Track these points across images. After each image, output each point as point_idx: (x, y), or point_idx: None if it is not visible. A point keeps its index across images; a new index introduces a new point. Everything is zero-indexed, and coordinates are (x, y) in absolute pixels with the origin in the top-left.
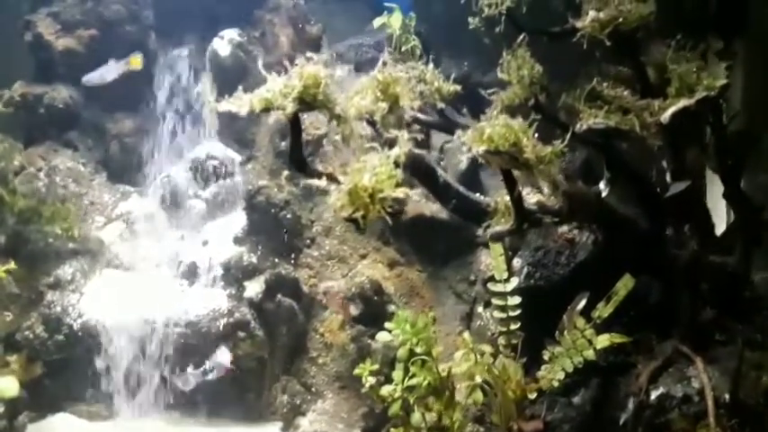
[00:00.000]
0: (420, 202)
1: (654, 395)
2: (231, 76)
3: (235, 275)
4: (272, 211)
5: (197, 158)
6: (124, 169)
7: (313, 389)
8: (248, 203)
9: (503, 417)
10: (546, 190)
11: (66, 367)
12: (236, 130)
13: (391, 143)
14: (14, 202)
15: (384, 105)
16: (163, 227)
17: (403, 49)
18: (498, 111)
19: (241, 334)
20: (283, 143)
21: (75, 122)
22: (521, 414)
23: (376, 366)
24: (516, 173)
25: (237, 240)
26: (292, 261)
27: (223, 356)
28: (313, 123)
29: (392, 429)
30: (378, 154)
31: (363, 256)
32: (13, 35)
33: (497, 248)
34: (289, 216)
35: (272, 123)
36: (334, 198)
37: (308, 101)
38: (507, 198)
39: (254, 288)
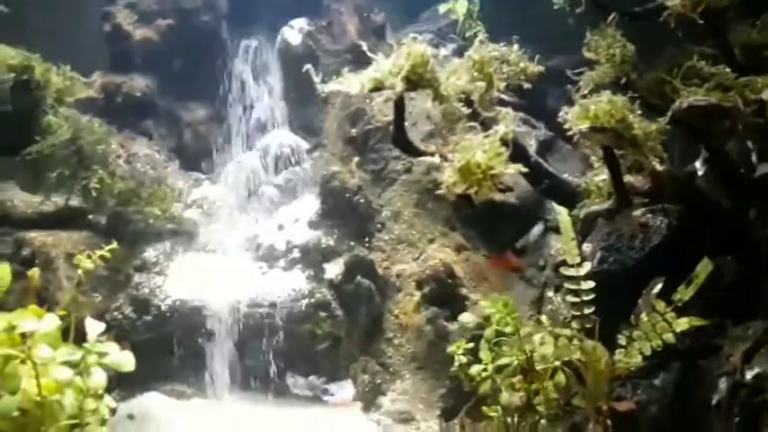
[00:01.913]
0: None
1: (749, 375)
2: (301, 65)
3: (313, 258)
4: (346, 195)
5: (268, 146)
6: (196, 157)
7: (391, 369)
8: (322, 189)
9: (591, 398)
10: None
11: (154, 347)
12: (304, 119)
13: (486, 122)
14: (114, 184)
15: (482, 85)
16: (236, 212)
17: (467, 34)
18: (588, 90)
19: (322, 314)
20: (353, 130)
21: (151, 111)
22: (609, 395)
23: (471, 345)
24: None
25: (312, 224)
26: (366, 244)
27: (347, 389)
28: (381, 110)
29: (484, 408)
30: (480, 133)
31: (431, 241)
32: (89, 26)
33: (569, 233)
34: (362, 201)
35: (339, 111)
36: (446, 175)
37: (415, 80)
38: (597, 178)
39: (333, 270)
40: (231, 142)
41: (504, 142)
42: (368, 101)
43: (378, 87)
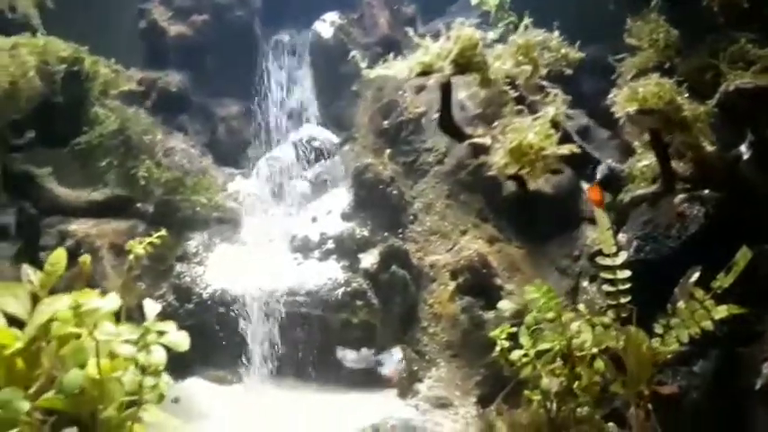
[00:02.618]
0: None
1: None
2: (332, 58)
3: (348, 248)
4: (380, 187)
5: (300, 140)
6: (229, 152)
7: (426, 357)
8: (355, 180)
9: (632, 383)
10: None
11: (196, 334)
12: (334, 113)
13: (532, 106)
14: (161, 173)
15: (528, 69)
16: (269, 205)
17: (500, 25)
18: (631, 76)
19: (358, 302)
20: (385, 122)
21: (186, 107)
22: (650, 380)
23: (514, 329)
24: None
25: (345, 216)
26: (399, 235)
27: (396, 357)
28: (413, 102)
29: (525, 392)
30: (527, 116)
31: (464, 232)
32: (123, 23)
33: (604, 222)
34: (394, 192)
35: (371, 104)
36: (497, 157)
37: (463, 63)
38: (641, 164)
39: (368, 259)
40: (263, 137)
41: (553, 124)
42: (400, 92)
43: (426, 71)
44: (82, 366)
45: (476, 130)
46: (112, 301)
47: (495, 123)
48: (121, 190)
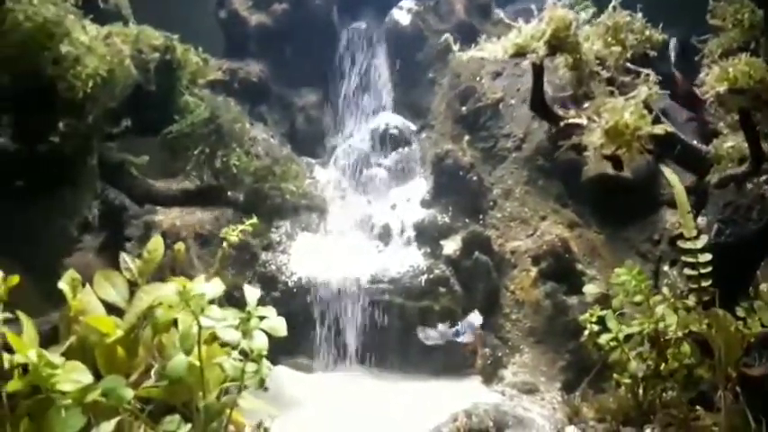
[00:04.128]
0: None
1: None
2: (409, 44)
3: (429, 235)
4: (460, 173)
5: (377, 128)
6: (307, 141)
7: (510, 343)
8: (435, 167)
9: (719, 366)
10: None
11: None
12: (410, 100)
13: (621, 87)
14: (251, 162)
15: (618, 50)
16: (348, 193)
17: (576, 9)
18: (717, 56)
19: (441, 289)
20: (464, 108)
21: (265, 97)
22: (738, 363)
23: (604, 312)
24: None
25: (425, 203)
26: (480, 222)
27: (475, 321)
28: (491, 88)
29: (615, 375)
30: (619, 97)
31: (543, 218)
32: (201, 12)
33: (685, 206)
34: (474, 179)
35: (448, 91)
36: (594, 137)
37: (556, 44)
38: (727, 144)
39: (450, 246)
40: (341, 125)
41: (646, 105)
42: (478, 79)
43: (520, 52)
44: (188, 353)
45: (566, 111)
46: (216, 286)
47: (587, 104)
48: (213, 179)
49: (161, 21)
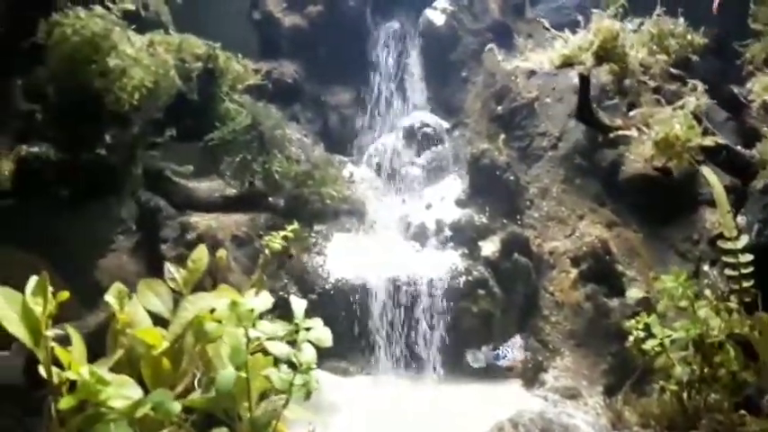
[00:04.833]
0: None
1: None
2: (443, 45)
3: (467, 236)
4: (497, 173)
5: (410, 126)
6: (341, 140)
7: (550, 346)
8: (471, 166)
9: (766, 369)
10: None
11: None
12: (443, 99)
13: (668, 95)
14: (291, 167)
15: (664, 57)
16: (382, 193)
17: (611, 8)
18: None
19: (480, 291)
20: (499, 107)
21: (299, 96)
22: None
23: (651, 319)
24: None
25: (460, 203)
26: (518, 222)
27: (517, 345)
28: (526, 87)
29: (661, 382)
30: (666, 106)
31: (581, 217)
32: (232, 14)
33: (725, 205)
34: (511, 178)
35: (482, 90)
36: (645, 149)
37: (603, 55)
38: None
39: (489, 247)
40: (374, 124)
41: (695, 115)
42: (513, 78)
43: (567, 63)
44: (239, 368)
45: (613, 120)
46: (265, 300)
47: (633, 113)
48: (254, 184)
49: (193, 23)
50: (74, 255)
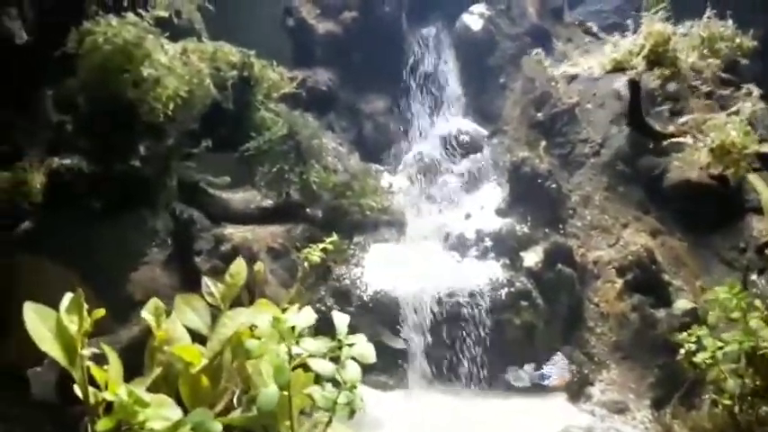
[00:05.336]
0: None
1: None
2: (480, 50)
3: (508, 246)
4: (538, 181)
5: (448, 134)
6: (375, 148)
7: (595, 359)
8: (512, 175)
9: None
10: None
11: None
12: (480, 105)
13: (720, 100)
14: (329, 177)
15: (716, 62)
16: (418, 202)
17: (652, 11)
18: None
19: (523, 303)
20: (539, 114)
21: (333, 104)
22: None
23: (703, 332)
24: None
25: (500, 212)
26: (561, 231)
27: (561, 363)
28: (566, 92)
29: (712, 396)
30: (720, 112)
31: (625, 225)
32: (262, 21)
33: None
34: (553, 186)
35: (521, 96)
36: (701, 156)
37: (655, 59)
38: None
39: (531, 258)
40: (410, 132)
41: (749, 121)
42: (553, 83)
43: (617, 68)
44: (283, 388)
45: (664, 127)
46: (308, 316)
47: (684, 119)
48: (292, 195)
49: (224, 30)
50: (106, 267)
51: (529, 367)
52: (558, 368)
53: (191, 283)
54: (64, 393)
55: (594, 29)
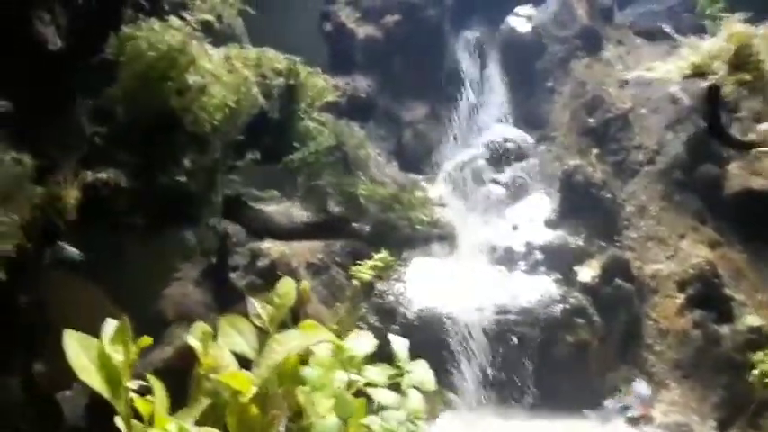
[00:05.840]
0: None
1: None
2: (527, 53)
3: (560, 259)
4: (591, 191)
5: (493, 142)
6: (415, 157)
7: (655, 378)
8: (564, 184)
9: None
10: None
11: None
12: (526, 111)
13: None
14: (376, 190)
15: None
16: (461, 213)
17: (708, 11)
18: None
19: (579, 320)
20: (591, 120)
21: (372, 112)
22: None
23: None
24: None
25: (550, 223)
26: (617, 243)
27: (643, 391)
28: (618, 97)
29: None
30: None
31: (682, 237)
32: (298, 26)
33: None
34: (608, 196)
35: (570, 101)
36: None
37: (738, 63)
38: None
39: (586, 272)
40: (452, 140)
41: None
42: (605, 88)
43: (697, 72)
44: (346, 421)
45: (745, 135)
46: (368, 341)
47: (764, 127)
48: (338, 209)
49: (260, 36)
50: (139, 284)
51: (611, 400)
52: (638, 396)
53: (225, 301)
54: (96, 421)
55: (665, 29)
